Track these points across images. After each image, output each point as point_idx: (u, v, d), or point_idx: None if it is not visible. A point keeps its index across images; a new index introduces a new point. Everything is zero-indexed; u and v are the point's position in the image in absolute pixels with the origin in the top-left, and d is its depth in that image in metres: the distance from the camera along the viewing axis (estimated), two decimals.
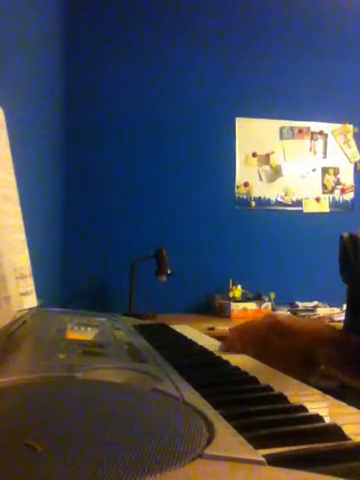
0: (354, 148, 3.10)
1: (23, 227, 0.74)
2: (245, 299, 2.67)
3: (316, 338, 0.78)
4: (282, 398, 0.43)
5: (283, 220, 2.97)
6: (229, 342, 0.75)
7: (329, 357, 0.78)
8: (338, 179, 3.08)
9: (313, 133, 3.07)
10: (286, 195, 3.00)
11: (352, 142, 3.10)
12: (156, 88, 2.88)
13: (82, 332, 0.68)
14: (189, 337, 0.82)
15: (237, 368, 0.56)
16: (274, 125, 3.01)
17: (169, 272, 2.54)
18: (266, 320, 0.82)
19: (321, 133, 3.07)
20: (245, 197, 2.96)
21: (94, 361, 0.48)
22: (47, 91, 2.04)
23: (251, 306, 2.60)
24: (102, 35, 2.86)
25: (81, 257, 2.72)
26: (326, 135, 3.08)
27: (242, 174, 2.97)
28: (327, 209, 3.04)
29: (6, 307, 0.53)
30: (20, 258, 0.68)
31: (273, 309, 2.64)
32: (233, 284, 2.72)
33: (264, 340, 0.77)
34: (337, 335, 0.82)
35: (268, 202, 2.98)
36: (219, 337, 0.85)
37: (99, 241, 2.77)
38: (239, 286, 2.72)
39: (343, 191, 3.07)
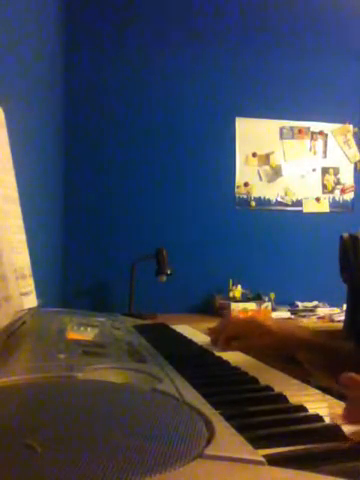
0: (354, 148, 3.10)
1: (23, 227, 0.74)
2: (245, 299, 2.67)
3: (293, 340, 0.82)
4: (282, 398, 0.43)
5: (283, 220, 2.97)
6: (217, 334, 0.81)
7: (310, 360, 0.81)
8: (338, 179, 3.08)
9: (313, 133, 3.07)
10: (286, 195, 3.00)
11: (352, 142, 3.10)
12: (156, 88, 2.88)
13: (82, 332, 0.68)
14: (189, 337, 0.82)
15: (237, 368, 0.56)
16: (274, 125, 3.01)
17: (169, 272, 2.54)
18: (248, 318, 0.92)
19: (321, 133, 3.07)
20: (245, 197, 2.96)
21: (94, 361, 0.48)
22: (47, 91, 2.04)
23: (251, 306, 2.59)
24: (101, 36, 2.86)
25: (81, 257, 2.72)
26: (326, 135, 3.08)
27: (242, 174, 2.96)
28: (327, 209, 3.04)
29: (6, 307, 0.53)
30: (20, 258, 0.68)
31: (273, 309, 2.64)
32: (233, 284, 2.72)
33: (245, 335, 0.82)
34: (317, 339, 0.84)
35: (268, 202, 2.98)
36: None
37: (99, 241, 2.77)
38: (239, 286, 2.72)
39: (343, 191, 3.07)
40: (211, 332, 0.85)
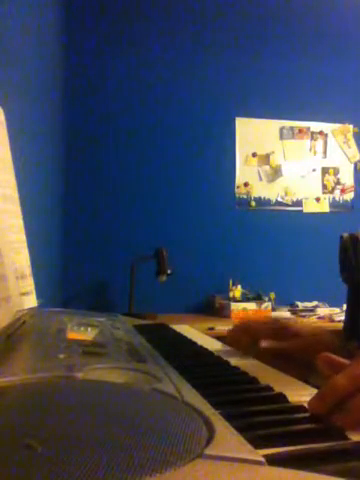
0: (354, 148, 3.10)
1: (23, 227, 0.74)
2: (245, 299, 2.67)
3: (321, 345, 0.76)
4: (282, 398, 0.43)
5: (283, 220, 2.97)
6: (234, 336, 0.75)
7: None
8: (338, 179, 3.08)
9: (313, 133, 3.07)
10: (286, 195, 3.00)
11: (352, 142, 3.10)
12: (156, 88, 2.88)
13: (82, 332, 0.68)
14: (189, 337, 0.82)
15: (237, 368, 0.56)
16: (274, 125, 3.01)
17: (169, 272, 2.54)
18: (269, 320, 0.82)
19: (321, 133, 3.07)
20: (245, 197, 2.96)
21: (94, 361, 0.48)
22: (47, 91, 2.04)
23: (251, 306, 2.59)
24: (102, 35, 2.86)
25: (81, 257, 2.72)
26: (326, 135, 3.08)
27: (242, 174, 2.96)
28: (327, 209, 3.04)
29: (6, 307, 0.53)
30: (20, 258, 0.68)
31: (273, 309, 2.64)
32: (233, 284, 2.72)
33: (273, 337, 0.76)
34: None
35: (268, 202, 2.98)
36: (219, 337, 0.85)
37: (99, 241, 2.77)
38: (239, 286, 2.71)
39: (343, 191, 3.07)
40: (230, 335, 0.77)
